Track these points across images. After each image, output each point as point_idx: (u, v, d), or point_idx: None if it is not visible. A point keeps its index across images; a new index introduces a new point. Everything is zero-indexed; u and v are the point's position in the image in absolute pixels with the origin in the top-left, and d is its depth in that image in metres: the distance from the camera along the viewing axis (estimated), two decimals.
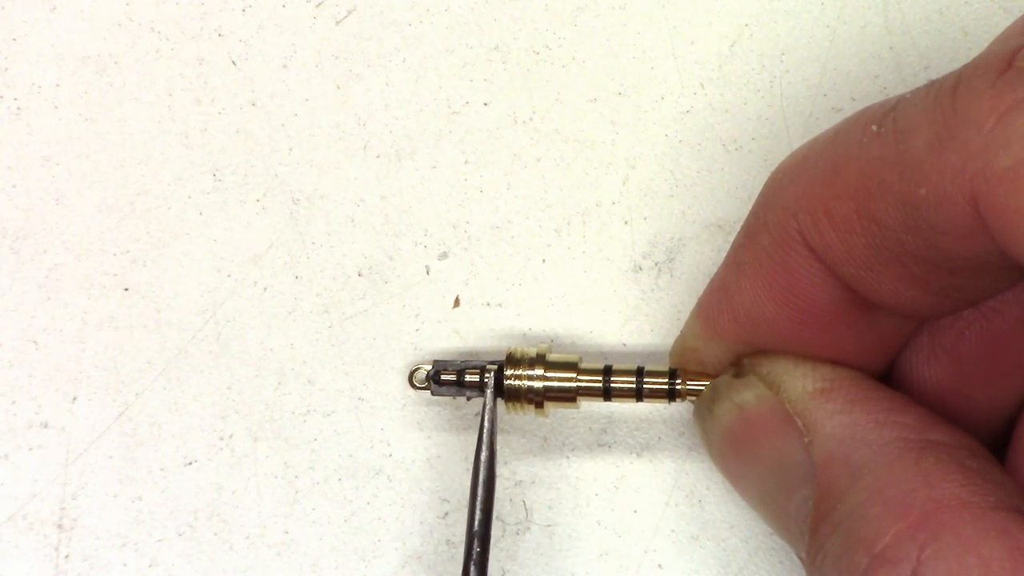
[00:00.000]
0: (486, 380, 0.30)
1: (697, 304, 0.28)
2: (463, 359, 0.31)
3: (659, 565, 0.31)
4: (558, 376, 0.29)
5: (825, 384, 0.25)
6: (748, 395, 0.26)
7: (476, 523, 0.28)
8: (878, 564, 0.22)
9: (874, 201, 0.22)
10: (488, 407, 0.29)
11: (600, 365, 0.29)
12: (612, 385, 0.29)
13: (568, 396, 0.29)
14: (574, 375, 0.29)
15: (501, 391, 0.30)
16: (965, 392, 0.27)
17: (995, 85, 0.20)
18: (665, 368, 0.29)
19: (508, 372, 0.29)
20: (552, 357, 0.30)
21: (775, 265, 0.25)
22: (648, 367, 0.29)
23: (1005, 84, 0.20)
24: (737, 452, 0.26)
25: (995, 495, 0.22)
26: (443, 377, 0.30)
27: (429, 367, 0.30)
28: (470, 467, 0.32)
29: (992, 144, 0.20)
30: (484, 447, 0.29)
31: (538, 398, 0.29)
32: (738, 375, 0.27)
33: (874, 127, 0.23)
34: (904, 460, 0.23)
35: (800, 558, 0.25)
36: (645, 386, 0.29)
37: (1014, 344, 0.26)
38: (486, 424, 0.29)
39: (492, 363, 0.30)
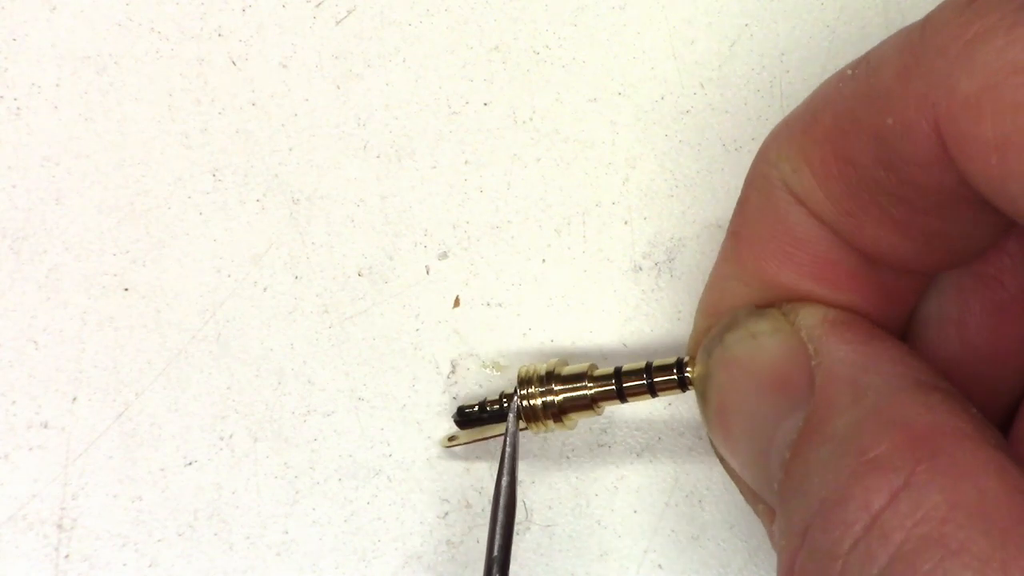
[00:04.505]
0: (506, 404, 0.30)
1: (702, 298, 0.28)
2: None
3: (659, 565, 0.31)
4: (571, 387, 0.29)
5: (845, 318, 0.25)
6: (764, 325, 0.25)
7: (496, 548, 0.28)
8: (868, 469, 0.21)
9: (848, 139, 0.23)
10: (510, 432, 0.29)
11: (610, 369, 0.29)
12: (624, 386, 0.29)
13: (585, 405, 0.29)
14: (586, 383, 0.29)
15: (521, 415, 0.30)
16: (973, 368, 0.26)
17: (963, 14, 0.20)
18: (672, 359, 0.29)
19: (522, 392, 0.29)
20: (562, 370, 0.30)
21: (766, 219, 0.25)
22: (656, 362, 0.29)
23: (973, 12, 0.20)
24: (736, 377, 0.26)
25: (997, 439, 0.21)
26: (466, 411, 0.30)
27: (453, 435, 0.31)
28: (470, 467, 0.32)
29: (956, 71, 0.20)
30: (505, 472, 0.29)
31: (555, 411, 0.29)
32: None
33: (849, 71, 0.23)
34: (912, 392, 0.22)
35: (763, 503, 0.24)
36: (656, 381, 0.29)
37: (1017, 315, 0.26)
38: (508, 449, 0.29)
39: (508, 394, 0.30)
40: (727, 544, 0.31)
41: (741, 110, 0.33)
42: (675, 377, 0.28)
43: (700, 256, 0.32)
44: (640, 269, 0.32)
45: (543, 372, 0.30)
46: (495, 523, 0.28)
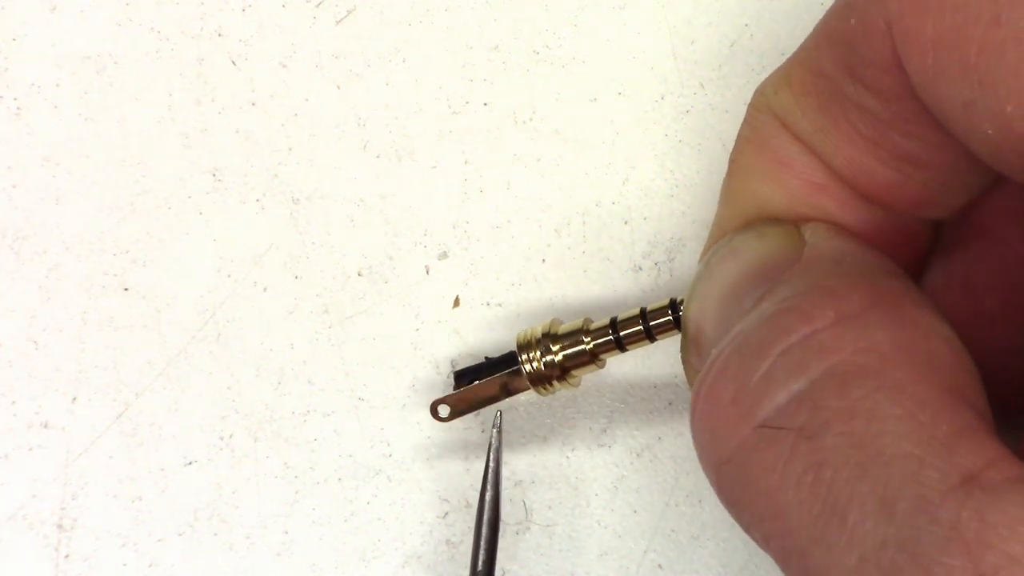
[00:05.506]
0: (494, 421, 0.30)
1: (703, 249, 0.27)
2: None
3: (659, 565, 0.31)
4: (569, 343, 0.29)
5: (846, 231, 0.25)
6: (777, 227, 0.25)
7: (480, 562, 0.28)
8: (822, 292, 0.21)
9: (821, 52, 0.23)
10: (494, 447, 0.29)
11: (606, 321, 0.29)
12: (621, 334, 0.29)
13: (586, 360, 0.29)
14: (583, 337, 0.29)
15: (524, 383, 0.29)
16: (984, 335, 0.26)
17: None
18: (665, 301, 0.28)
19: (523, 357, 0.29)
20: (558, 328, 0.30)
21: (752, 145, 0.25)
22: (649, 306, 0.29)
23: None
24: (729, 266, 0.25)
25: (955, 334, 0.21)
26: (460, 372, 0.30)
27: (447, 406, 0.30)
28: (470, 467, 0.32)
29: None
30: (489, 487, 0.29)
31: (557, 371, 0.29)
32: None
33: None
34: (889, 277, 0.23)
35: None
36: (651, 325, 0.28)
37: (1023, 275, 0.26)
38: (491, 464, 0.29)
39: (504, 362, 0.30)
40: (727, 544, 0.31)
41: (741, 110, 0.33)
42: (670, 318, 0.28)
43: (700, 256, 0.32)
44: (640, 269, 0.32)
45: (540, 334, 0.29)
46: (479, 538, 0.28)
